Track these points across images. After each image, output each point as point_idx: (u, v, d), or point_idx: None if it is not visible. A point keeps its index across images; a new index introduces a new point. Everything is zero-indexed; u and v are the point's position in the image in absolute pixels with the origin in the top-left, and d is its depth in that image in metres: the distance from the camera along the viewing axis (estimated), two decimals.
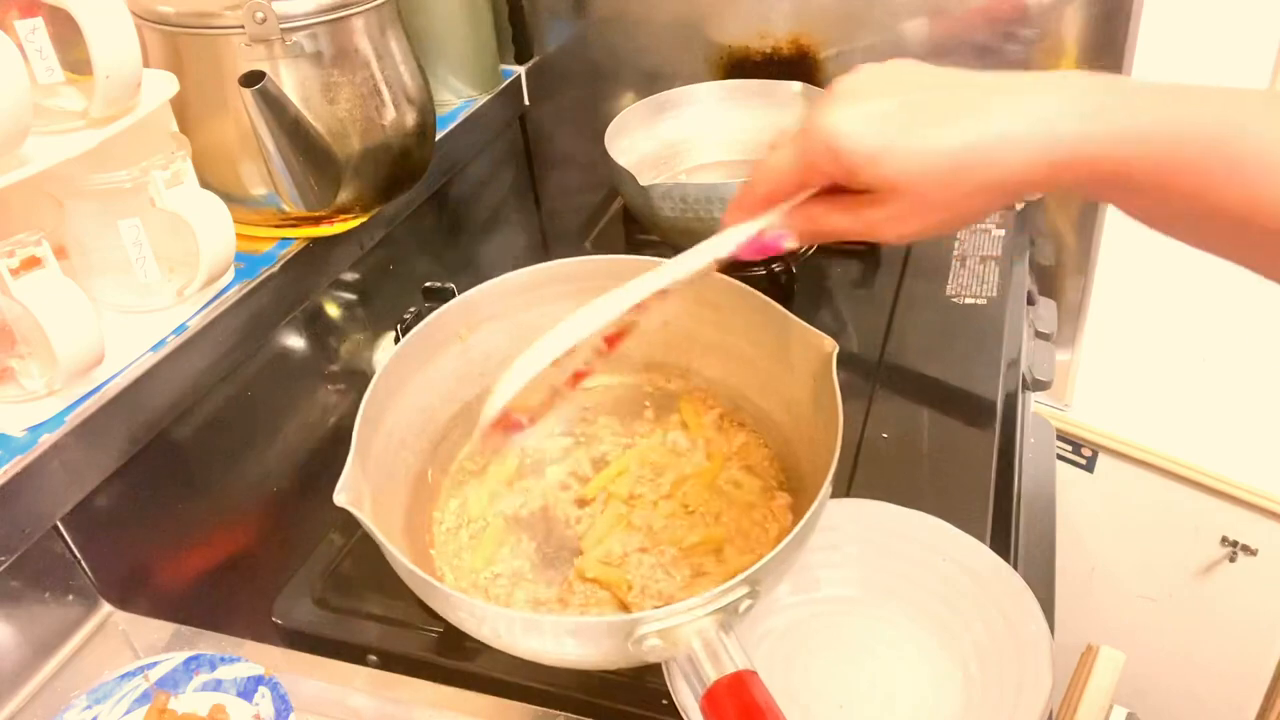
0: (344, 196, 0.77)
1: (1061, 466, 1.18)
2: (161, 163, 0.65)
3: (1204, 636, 1.24)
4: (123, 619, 0.65)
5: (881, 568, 0.61)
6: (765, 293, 0.62)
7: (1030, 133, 0.38)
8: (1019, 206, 0.82)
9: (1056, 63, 0.98)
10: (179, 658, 0.57)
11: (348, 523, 0.77)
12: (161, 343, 0.67)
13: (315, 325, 0.84)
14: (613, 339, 0.54)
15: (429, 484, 0.66)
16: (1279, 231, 0.35)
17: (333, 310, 0.87)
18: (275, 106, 0.68)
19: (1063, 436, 1.17)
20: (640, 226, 0.98)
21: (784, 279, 0.92)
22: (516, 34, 1.15)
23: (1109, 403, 1.16)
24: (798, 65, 1.07)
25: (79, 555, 0.62)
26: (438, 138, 0.89)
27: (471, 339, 0.67)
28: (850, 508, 0.64)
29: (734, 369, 0.68)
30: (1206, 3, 0.93)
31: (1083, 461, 1.19)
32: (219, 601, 0.72)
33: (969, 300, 0.89)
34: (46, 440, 0.59)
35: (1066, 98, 0.38)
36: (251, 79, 0.66)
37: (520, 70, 1.15)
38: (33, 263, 0.56)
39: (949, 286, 0.91)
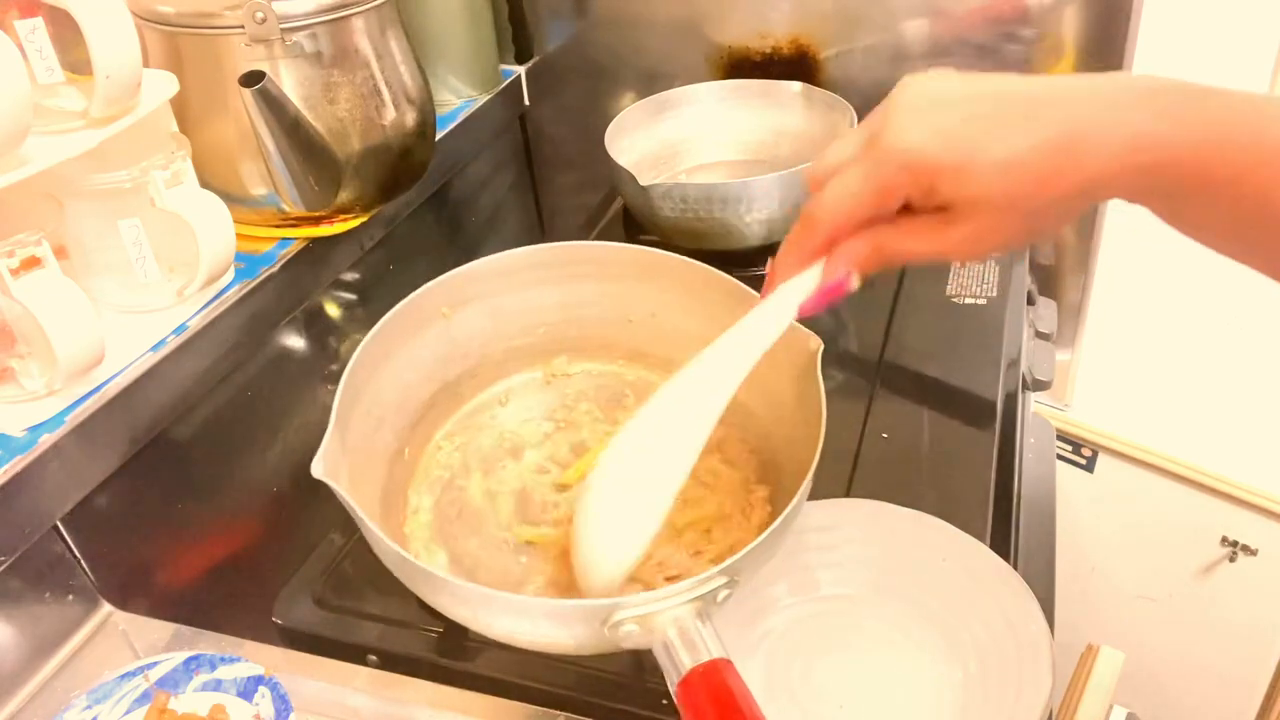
0: (344, 196, 0.77)
1: (1061, 466, 1.18)
2: (161, 163, 0.65)
3: (1204, 636, 1.24)
4: (123, 619, 0.65)
5: (881, 568, 0.61)
6: (763, 293, 0.62)
7: (1115, 133, 0.36)
8: None
9: (1057, 63, 0.98)
10: (179, 658, 0.57)
11: (348, 523, 0.77)
12: (161, 343, 0.67)
13: (315, 325, 0.84)
14: None
15: (405, 462, 0.65)
16: None
17: (333, 310, 0.87)
18: (275, 106, 0.68)
19: (1063, 436, 1.17)
20: (640, 226, 0.98)
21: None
22: (516, 34, 1.15)
23: (1109, 403, 1.16)
24: (798, 65, 1.07)
25: (79, 555, 0.62)
26: (438, 138, 0.89)
27: (455, 318, 0.66)
28: (850, 508, 0.64)
29: None
30: (1206, 3, 0.93)
31: (1083, 461, 1.19)
32: (219, 601, 0.72)
33: (969, 300, 0.89)
34: (46, 440, 0.59)
35: (1142, 99, 0.37)
36: (251, 79, 0.66)
37: (520, 70, 1.15)
38: (33, 263, 0.56)
39: (949, 286, 0.91)
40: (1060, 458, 1.18)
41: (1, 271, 0.55)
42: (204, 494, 0.74)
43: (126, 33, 0.59)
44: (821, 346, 0.57)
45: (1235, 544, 1.15)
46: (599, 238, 1.06)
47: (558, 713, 0.56)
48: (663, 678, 0.53)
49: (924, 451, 0.74)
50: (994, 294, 0.89)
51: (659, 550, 0.59)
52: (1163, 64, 0.96)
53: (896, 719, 0.55)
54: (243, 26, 0.69)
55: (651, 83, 1.09)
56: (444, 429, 0.68)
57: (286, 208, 0.75)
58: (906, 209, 0.42)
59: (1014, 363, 0.88)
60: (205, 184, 0.68)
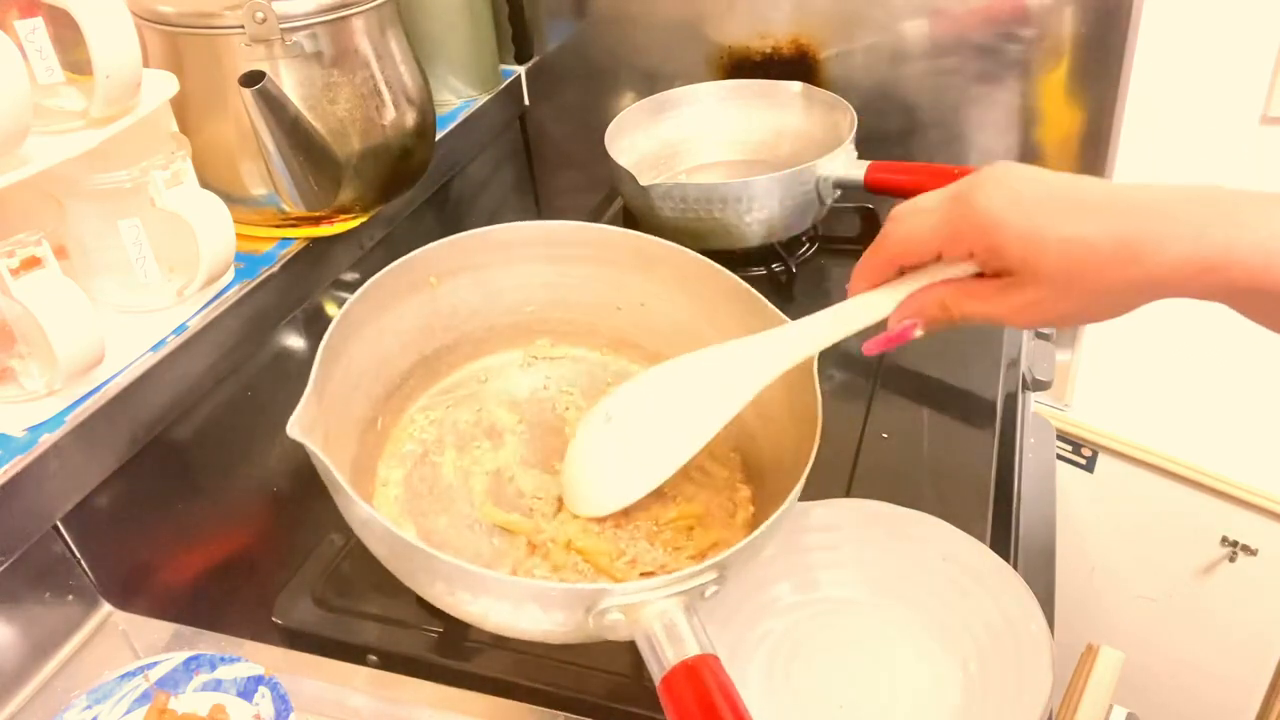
0: (344, 196, 0.77)
1: (1061, 466, 1.18)
2: (161, 163, 0.65)
3: (1204, 636, 1.24)
4: (123, 619, 0.65)
5: (882, 568, 0.61)
6: (764, 293, 0.62)
7: (1179, 237, 0.39)
8: None
9: (1057, 63, 0.98)
10: (179, 658, 0.57)
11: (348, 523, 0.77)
12: (161, 343, 0.67)
13: (315, 325, 0.84)
14: None
15: (378, 432, 0.63)
16: None
17: (333, 310, 0.87)
18: (275, 106, 0.68)
19: (1063, 436, 1.17)
20: (640, 226, 0.98)
21: (784, 279, 0.92)
22: (516, 34, 1.15)
23: (1109, 403, 1.16)
24: (798, 65, 1.07)
25: (79, 555, 0.62)
26: (438, 138, 0.89)
27: (441, 289, 0.64)
28: (850, 508, 0.64)
29: None
30: (1206, 3, 0.93)
31: (1083, 461, 1.19)
32: (219, 601, 0.72)
33: None
34: (46, 440, 0.59)
35: (1209, 207, 0.39)
36: (251, 79, 0.66)
37: (520, 70, 1.15)
38: (33, 263, 0.56)
39: None
40: (1060, 458, 1.18)
41: (1, 271, 0.55)
42: (204, 494, 0.74)
43: (126, 33, 0.59)
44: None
45: (1235, 544, 1.15)
46: None
47: (558, 713, 0.56)
48: None
49: (924, 451, 0.74)
50: None
51: (631, 547, 0.58)
52: (1162, 64, 0.96)
53: (897, 719, 0.55)
54: (243, 26, 0.69)
55: (651, 83, 1.09)
56: (419, 402, 0.67)
57: (286, 208, 0.75)
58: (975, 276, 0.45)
59: (1014, 363, 0.88)
60: (205, 184, 0.68)
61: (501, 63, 1.14)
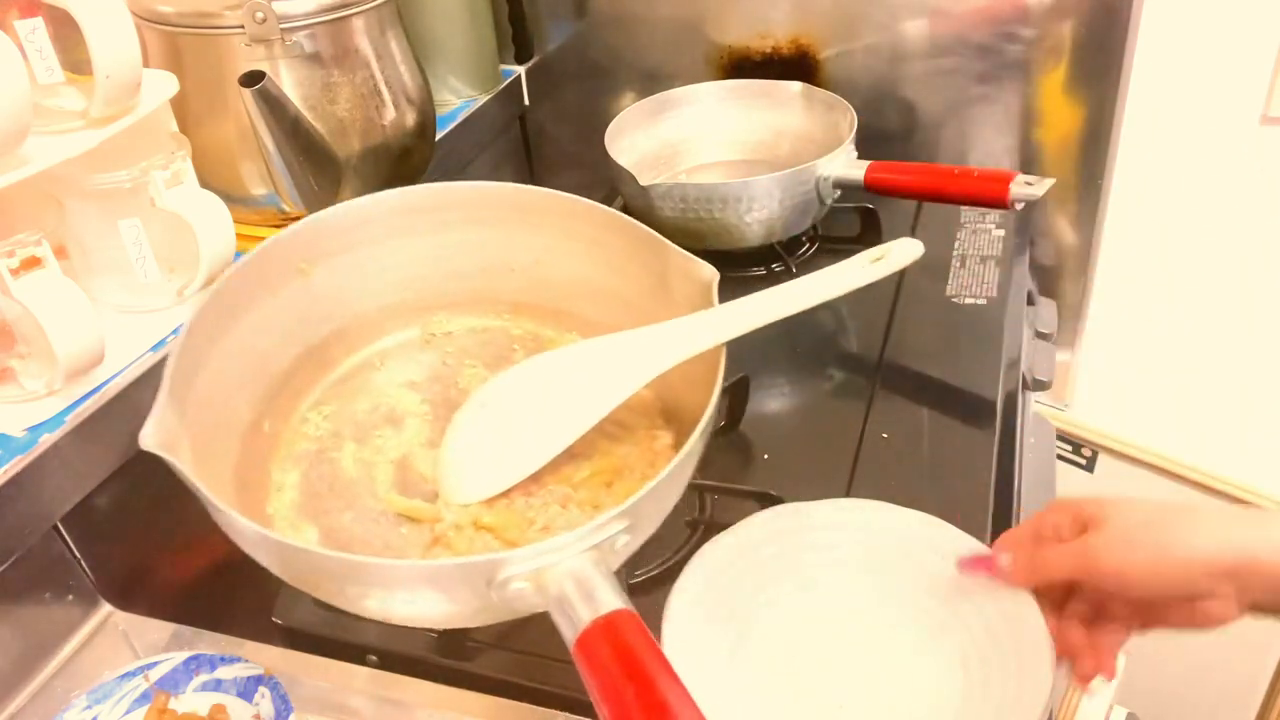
0: (344, 196, 0.77)
1: (1061, 466, 1.18)
2: (161, 163, 0.65)
3: (1204, 637, 1.23)
4: (123, 619, 0.65)
5: (880, 568, 0.61)
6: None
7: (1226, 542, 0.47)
8: (1018, 207, 0.82)
9: (1057, 63, 0.98)
10: (179, 658, 0.57)
11: None
12: (161, 343, 0.67)
13: None
14: None
15: (265, 435, 0.59)
16: None
17: None
18: (275, 106, 0.68)
19: (1063, 436, 1.17)
20: None
21: (784, 279, 0.92)
22: (516, 34, 1.15)
23: (1109, 403, 1.16)
24: (798, 65, 1.07)
25: (79, 555, 0.62)
26: (438, 138, 0.89)
27: (315, 274, 0.60)
28: (850, 508, 0.64)
29: (610, 307, 0.62)
30: (1206, 3, 0.93)
31: (1083, 461, 1.19)
32: (219, 601, 0.72)
33: (969, 300, 0.89)
34: (46, 440, 0.59)
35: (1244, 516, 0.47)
36: (251, 79, 0.66)
37: (520, 70, 1.15)
38: (33, 263, 0.56)
39: (949, 286, 0.91)
40: (1060, 458, 1.18)
41: (1, 271, 0.55)
42: None
43: (126, 33, 0.59)
44: (718, 277, 0.54)
45: None
46: None
47: (558, 713, 0.56)
48: None
49: (924, 451, 0.74)
50: (994, 294, 0.89)
51: (543, 514, 0.55)
52: (1162, 64, 0.96)
53: (896, 719, 0.55)
54: (243, 26, 0.69)
55: (651, 83, 1.09)
56: (310, 397, 0.62)
57: (286, 208, 0.75)
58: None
59: (1014, 363, 0.88)
60: (205, 184, 0.68)
61: (501, 63, 1.14)
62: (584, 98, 1.17)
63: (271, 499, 0.58)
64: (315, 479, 0.59)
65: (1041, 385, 0.93)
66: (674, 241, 0.62)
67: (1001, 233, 0.97)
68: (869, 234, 0.99)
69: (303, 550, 0.45)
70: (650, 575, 0.62)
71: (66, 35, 0.59)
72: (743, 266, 0.93)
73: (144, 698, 0.56)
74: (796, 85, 1.02)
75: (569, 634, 0.40)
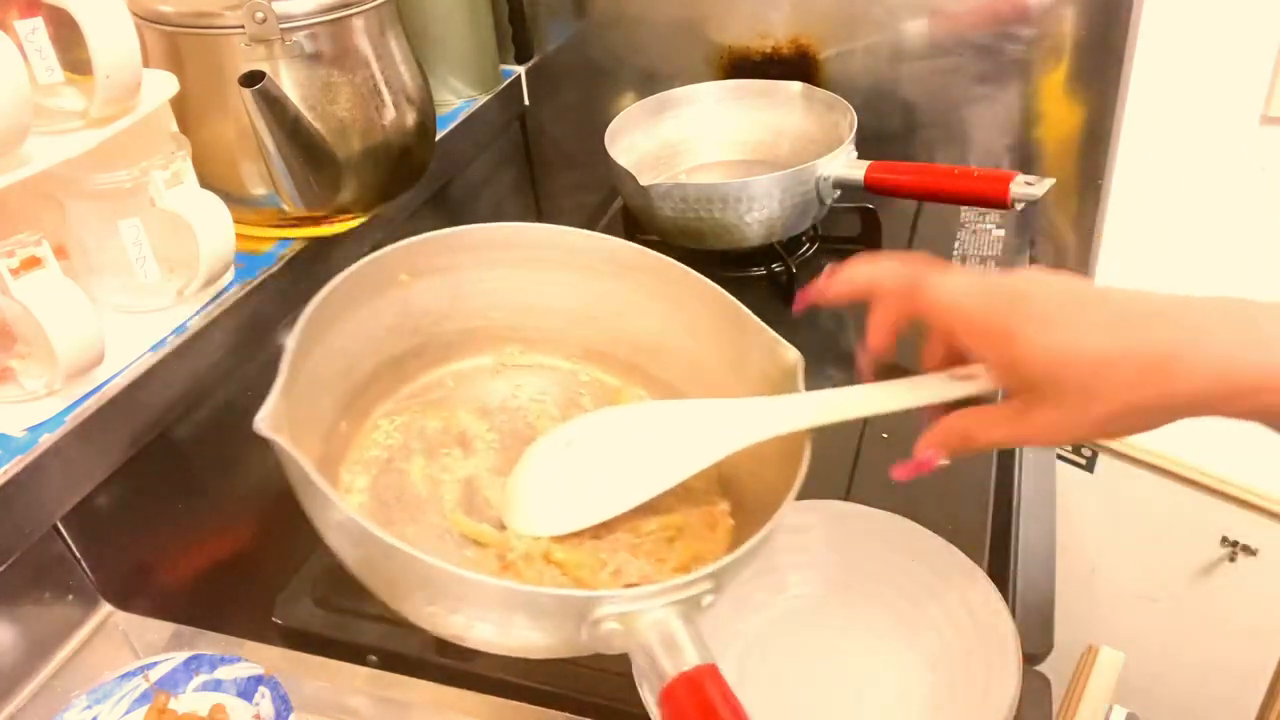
0: (344, 196, 0.77)
1: (1061, 466, 1.18)
2: (161, 163, 0.65)
3: (1204, 636, 1.24)
4: (123, 619, 0.65)
5: (850, 568, 0.61)
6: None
7: (1206, 358, 0.38)
8: (1018, 207, 0.82)
9: (1057, 63, 0.98)
10: (179, 658, 0.57)
11: None
12: (161, 343, 0.67)
13: None
14: None
15: (340, 436, 0.60)
16: None
17: None
18: (275, 106, 0.68)
19: None
20: (640, 226, 0.98)
21: (784, 279, 0.92)
22: (516, 34, 1.15)
23: None
24: (798, 65, 1.07)
25: (79, 555, 0.62)
26: (438, 138, 0.89)
27: (413, 289, 0.61)
28: (820, 509, 0.64)
29: (682, 370, 0.63)
30: (1206, 3, 0.93)
31: (1083, 461, 1.19)
32: (219, 601, 0.72)
33: None
34: (46, 440, 0.59)
35: (1236, 325, 0.39)
36: (251, 79, 0.66)
37: (520, 70, 1.15)
38: (33, 263, 0.56)
39: None
40: (1060, 458, 1.18)
41: (1, 271, 0.55)
42: (204, 494, 0.74)
43: (126, 33, 0.59)
44: (802, 363, 0.55)
45: (1235, 544, 1.15)
46: None
47: (558, 713, 0.56)
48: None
49: None
50: None
51: (613, 558, 0.56)
52: (1162, 64, 0.96)
53: (865, 718, 0.55)
54: (243, 26, 0.69)
55: (651, 83, 1.09)
56: (385, 406, 0.63)
57: (286, 208, 0.75)
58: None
59: None
60: (205, 184, 0.68)
61: (501, 63, 1.14)
62: (584, 98, 1.17)
63: (342, 500, 0.58)
64: (383, 487, 0.59)
65: None
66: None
67: (1001, 233, 0.97)
68: (869, 234, 0.99)
69: (414, 558, 0.43)
70: None
71: (66, 35, 0.59)
72: (743, 266, 0.93)
73: (144, 698, 0.56)
74: (796, 85, 1.02)
75: (654, 683, 0.42)
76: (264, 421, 0.47)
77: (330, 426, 0.59)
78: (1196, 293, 0.42)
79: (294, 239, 0.79)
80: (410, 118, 0.80)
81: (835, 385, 0.72)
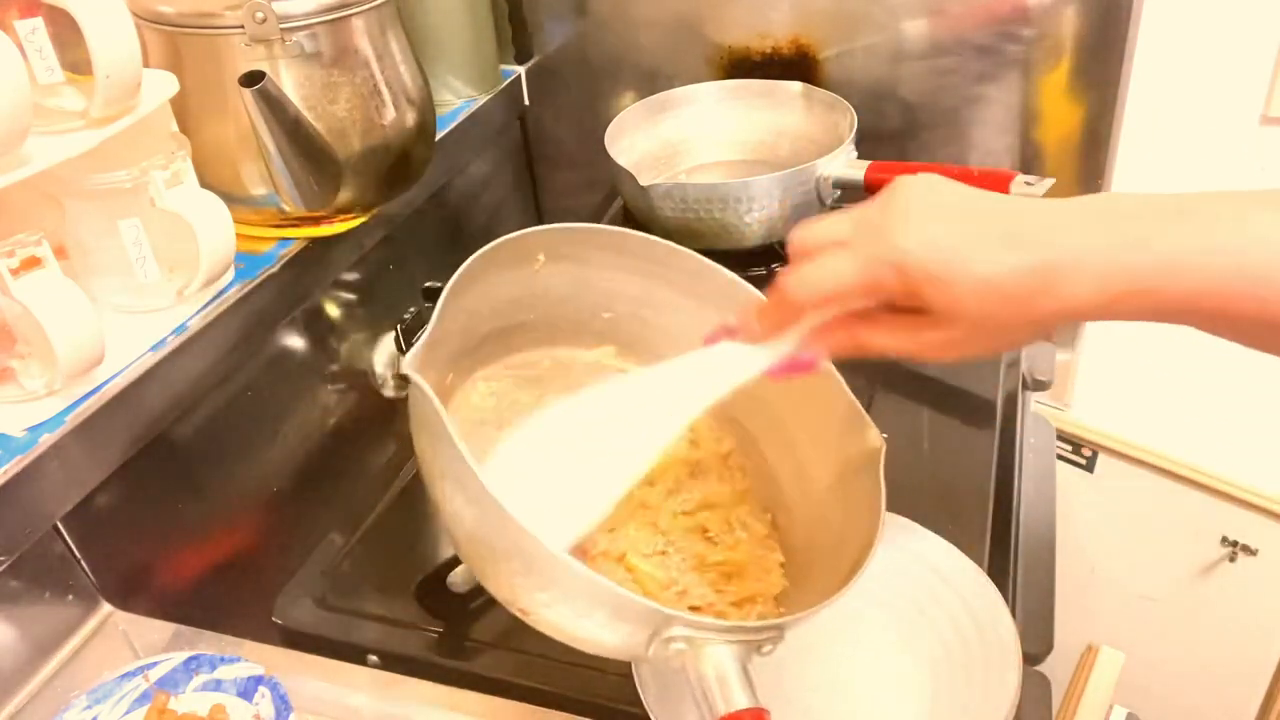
0: (344, 196, 0.77)
1: (1061, 466, 1.18)
2: (161, 163, 0.65)
3: (1204, 636, 1.24)
4: (123, 619, 0.65)
5: None
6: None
7: (1088, 265, 0.38)
8: None
9: (1057, 63, 0.98)
10: (179, 658, 0.57)
11: (347, 523, 0.77)
12: (161, 343, 0.67)
13: (315, 325, 0.84)
14: None
15: (445, 388, 0.61)
16: None
17: (333, 310, 0.87)
18: (275, 106, 0.68)
19: (1063, 436, 1.17)
20: (640, 226, 0.98)
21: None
22: (516, 34, 1.15)
23: (1109, 403, 1.16)
24: (798, 65, 1.07)
25: (79, 555, 0.62)
26: (438, 138, 0.89)
27: (545, 270, 0.62)
28: None
29: (762, 420, 0.65)
30: (1206, 3, 0.93)
31: (1083, 461, 1.19)
32: (219, 601, 0.72)
33: None
34: (46, 440, 0.59)
35: (1116, 227, 0.38)
36: (251, 79, 0.66)
37: (520, 70, 1.15)
38: (33, 263, 0.56)
39: None
40: (1060, 458, 1.18)
41: (1, 271, 0.55)
42: (204, 494, 0.74)
43: (126, 33, 0.59)
44: (884, 447, 0.54)
45: (1235, 544, 1.15)
46: None
47: (558, 713, 0.56)
48: None
49: (924, 451, 0.74)
50: None
51: (683, 578, 0.57)
52: (1162, 64, 0.96)
53: (865, 718, 0.55)
54: (243, 26, 0.69)
55: (651, 83, 1.09)
56: (487, 370, 0.65)
57: (286, 208, 0.75)
58: (886, 307, 0.44)
59: (1014, 363, 0.88)
60: (205, 184, 0.68)
61: (501, 63, 1.14)
62: (584, 98, 1.17)
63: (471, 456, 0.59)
64: (475, 452, 0.60)
65: (1041, 385, 0.93)
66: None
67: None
68: None
69: (529, 535, 0.44)
70: None
71: (66, 35, 0.59)
72: (743, 266, 0.92)
73: (144, 698, 0.56)
74: (796, 85, 1.02)
75: (701, 711, 0.44)
76: (411, 363, 0.48)
77: (440, 377, 0.60)
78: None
79: (294, 239, 0.79)
80: (410, 118, 0.80)
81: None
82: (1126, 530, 1.22)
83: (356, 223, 0.81)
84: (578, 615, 0.46)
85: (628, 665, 0.59)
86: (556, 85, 1.18)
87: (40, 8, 0.58)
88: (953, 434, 0.76)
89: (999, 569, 0.68)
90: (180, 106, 0.72)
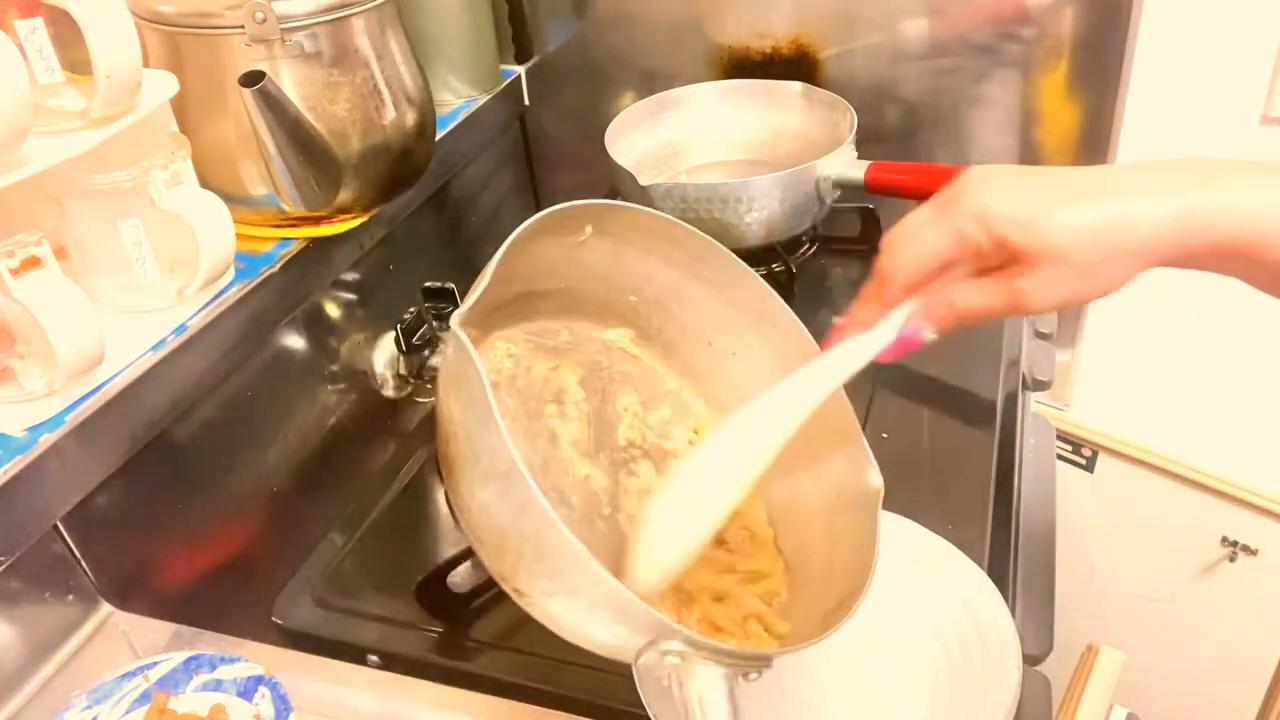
0: (344, 196, 0.77)
1: (1061, 466, 1.18)
2: (161, 163, 0.65)
3: (1204, 636, 1.24)
4: (123, 619, 0.65)
5: None
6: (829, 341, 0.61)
7: (1163, 201, 0.42)
8: None
9: (1057, 63, 0.98)
10: (179, 658, 0.57)
11: (347, 523, 0.77)
12: (161, 343, 0.67)
13: (315, 325, 0.84)
14: None
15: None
16: None
17: (333, 310, 0.87)
18: (275, 106, 0.68)
19: (1063, 436, 1.17)
20: None
21: (784, 279, 0.92)
22: (516, 34, 1.15)
23: (1109, 403, 1.16)
24: (798, 65, 1.07)
25: (79, 555, 0.62)
26: (438, 138, 0.89)
27: (588, 243, 0.62)
28: None
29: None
30: (1206, 3, 0.93)
31: (1083, 461, 1.19)
32: (219, 601, 0.72)
33: None
34: (46, 440, 0.59)
35: (1193, 175, 0.43)
36: (251, 79, 0.66)
37: (520, 70, 1.15)
38: (33, 263, 0.56)
39: None
40: (1060, 458, 1.18)
41: (1, 271, 0.55)
42: (204, 494, 0.74)
43: (126, 33, 0.59)
44: (882, 491, 0.55)
45: (1235, 544, 1.15)
46: None
47: (558, 713, 0.56)
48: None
49: (924, 451, 0.74)
50: None
51: (737, 591, 0.57)
52: (1162, 64, 0.96)
53: (865, 719, 0.55)
54: (243, 26, 0.69)
55: (651, 83, 1.09)
56: (506, 331, 0.64)
57: (286, 208, 0.75)
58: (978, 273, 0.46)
59: (1014, 363, 0.88)
60: (205, 184, 0.68)
61: (501, 63, 1.14)
62: (584, 98, 1.17)
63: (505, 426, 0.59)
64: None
65: (1041, 385, 0.93)
66: None
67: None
68: (869, 234, 0.99)
69: (552, 521, 0.43)
70: None
71: (66, 35, 0.59)
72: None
73: (144, 698, 0.56)
74: (796, 85, 1.02)
75: None
76: (459, 318, 0.48)
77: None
78: (1197, 295, 0.43)
79: (294, 239, 0.79)
80: (410, 118, 0.80)
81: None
82: (1126, 530, 1.22)
83: (356, 223, 0.81)
84: (579, 610, 0.46)
85: (628, 665, 0.59)
86: (556, 85, 1.18)
87: (40, 8, 0.58)
88: (953, 434, 0.76)
89: (999, 569, 0.68)
90: (180, 106, 0.72)
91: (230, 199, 0.69)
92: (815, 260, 0.99)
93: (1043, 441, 0.92)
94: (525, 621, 0.49)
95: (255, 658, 0.58)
